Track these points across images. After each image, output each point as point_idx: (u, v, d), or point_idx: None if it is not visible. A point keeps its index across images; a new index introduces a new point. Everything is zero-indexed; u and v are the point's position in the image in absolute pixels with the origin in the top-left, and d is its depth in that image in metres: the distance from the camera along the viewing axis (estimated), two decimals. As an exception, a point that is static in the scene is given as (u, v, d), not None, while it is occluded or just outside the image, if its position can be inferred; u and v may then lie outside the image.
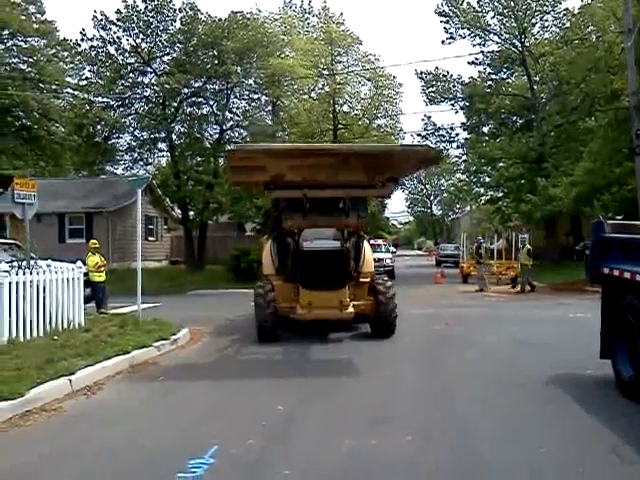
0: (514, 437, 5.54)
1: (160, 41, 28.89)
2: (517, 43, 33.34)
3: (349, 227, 11.07)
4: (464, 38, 34.38)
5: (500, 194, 34.61)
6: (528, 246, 22.48)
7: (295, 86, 30.94)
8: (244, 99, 31.29)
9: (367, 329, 11.57)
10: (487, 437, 5.59)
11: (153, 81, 29.57)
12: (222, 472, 4.70)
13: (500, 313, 15.44)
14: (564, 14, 32.55)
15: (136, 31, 28.45)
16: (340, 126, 37.02)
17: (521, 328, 12.48)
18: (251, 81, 30.05)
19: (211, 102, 29.93)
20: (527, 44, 33.17)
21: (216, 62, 27.77)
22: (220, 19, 28.42)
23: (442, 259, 39.41)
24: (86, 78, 30.83)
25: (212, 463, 4.78)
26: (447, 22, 33.94)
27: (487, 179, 34.63)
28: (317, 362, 9.34)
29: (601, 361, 7.59)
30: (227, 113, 30.27)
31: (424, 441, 5.37)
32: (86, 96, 30.22)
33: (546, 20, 33.67)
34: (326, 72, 36.09)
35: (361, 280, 11.66)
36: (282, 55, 30.32)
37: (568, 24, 31.66)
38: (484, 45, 34.58)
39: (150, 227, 32.53)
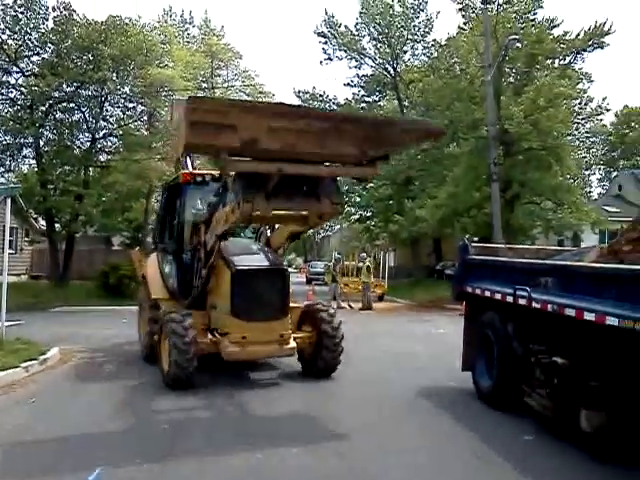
0: (386, 447, 5.98)
1: (30, 39, 26.89)
2: (390, 68, 35.42)
3: (322, 216, 8.59)
4: (341, 60, 36.05)
5: (369, 214, 36.12)
6: (368, 263, 23.49)
7: (174, 97, 30.34)
8: (119, 107, 30.05)
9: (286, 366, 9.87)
10: (362, 448, 5.97)
11: (20, 82, 27.61)
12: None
13: (367, 329, 15.93)
14: (432, 44, 35.01)
15: (2, 26, 26.44)
16: (218, 140, 36.67)
17: (388, 343, 13.11)
18: (127, 89, 28.98)
19: (84, 108, 28.43)
20: (399, 70, 35.24)
21: (91, 67, 26.47)
22: (97, 22, 27.23)
23: (312, 277, 38.76)
24: (-62, 74, 28.23)
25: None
26: (325, 43, 35.34)
27: (358, 199, 36.07)
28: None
29: (463, 373, 8.28)
30: (100, 121, 29.03)
31: (310, 454, 5.71)
32: (-61, 94, 27.63)
33: (416, 49, 36.34)
34: (205, 85, 35.93)
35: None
36: (161, 65, 29.65)
37: (436, 54, 33.64)
38: (360, 68, 36.50)
39: (10, 239, 30.30)
